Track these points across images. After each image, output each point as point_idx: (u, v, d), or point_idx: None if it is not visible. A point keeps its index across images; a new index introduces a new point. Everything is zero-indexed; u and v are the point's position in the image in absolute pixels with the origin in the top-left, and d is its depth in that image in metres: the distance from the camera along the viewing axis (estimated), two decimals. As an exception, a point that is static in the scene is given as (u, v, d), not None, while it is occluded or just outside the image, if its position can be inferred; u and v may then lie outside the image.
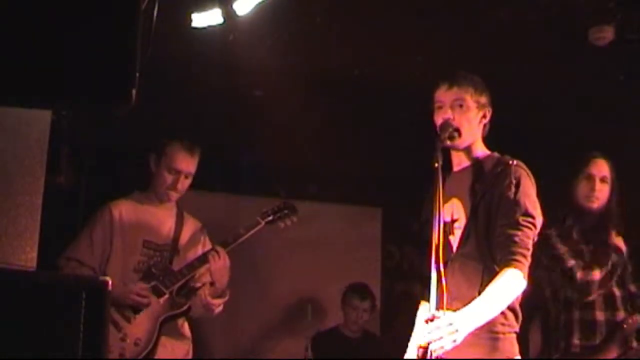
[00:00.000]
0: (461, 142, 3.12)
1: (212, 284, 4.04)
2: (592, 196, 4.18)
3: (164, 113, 4.96)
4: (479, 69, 3.25)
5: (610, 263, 4.12)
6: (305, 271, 6.50)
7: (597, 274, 4.07)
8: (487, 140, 3.25)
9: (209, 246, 4.18)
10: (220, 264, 3.99)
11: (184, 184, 4.10)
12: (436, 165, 2.91)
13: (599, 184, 4.18)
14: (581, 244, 4.16)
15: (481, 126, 3.20)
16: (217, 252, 4.00)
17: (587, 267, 4.08)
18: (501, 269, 2.90)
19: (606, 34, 4.15)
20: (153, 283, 3.97)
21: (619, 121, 4.94)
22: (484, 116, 3.19)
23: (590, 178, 4.19)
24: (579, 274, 4.04)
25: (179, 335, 4.09)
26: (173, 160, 4.05)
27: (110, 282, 1.86)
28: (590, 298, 4.07)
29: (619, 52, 4.26)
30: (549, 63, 4.56)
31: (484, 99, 3.17)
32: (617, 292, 4.15)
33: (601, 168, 4.21)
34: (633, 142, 4.83)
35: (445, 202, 3.02)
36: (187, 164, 4.07)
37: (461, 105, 3.10)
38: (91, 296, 1.80)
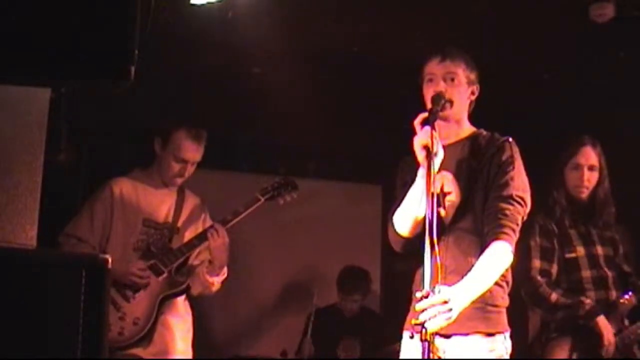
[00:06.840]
0: (452, 114, 3.11)
1: (210, 261, 4.04)
2: (581, 186, 4.21)
3: (162, 90, 4.94)
4: (479, 44, 3.24)
5: (600, 243, 4.17)
6: (304, 249, 6.51)
7: (581, 251, 4.14)
8: (484, 117, 3.24)
9: (209, 223, 4.17)
10: (219, 242, 3.98)
11: (190, 170, 4.10)
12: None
13: (587, 173, 4.20)
14: (570, 229, 4.20)
15: (468, 102, 3.21)
16: (216, 230, 3.99)
17: (572, 249, 4.14)
18: (491, 241, 2.91)
19: (607, 11, 4.13)
20: (152, 261, 3.97)
21: (617, 99, 4.93)
22: (473, 92, 3.21)
23: (579, 167, 4.21)
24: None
25: (179, 313, 4.10)
26: (180, 150, 4.02)
27: (110, 260, 1.86)
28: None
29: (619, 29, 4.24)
30: (549, 40, 4.54)
31: (473, 76, 3.20)
32: (608, 272, 4.16)
33: (589, 156, 4.21)
34: (632, 118, 4.82)
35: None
36: (194, 153, 4.05)
37: (453, 79, 3.11)
38: (91, 274, 1.80)
